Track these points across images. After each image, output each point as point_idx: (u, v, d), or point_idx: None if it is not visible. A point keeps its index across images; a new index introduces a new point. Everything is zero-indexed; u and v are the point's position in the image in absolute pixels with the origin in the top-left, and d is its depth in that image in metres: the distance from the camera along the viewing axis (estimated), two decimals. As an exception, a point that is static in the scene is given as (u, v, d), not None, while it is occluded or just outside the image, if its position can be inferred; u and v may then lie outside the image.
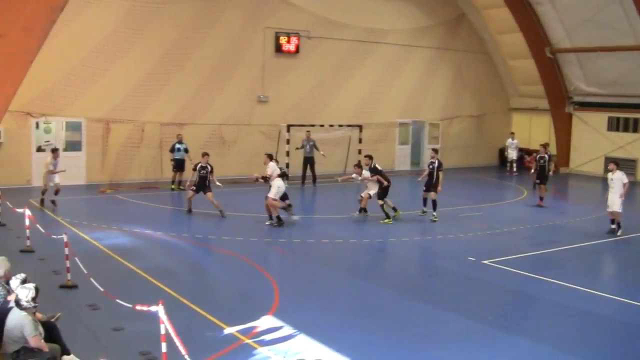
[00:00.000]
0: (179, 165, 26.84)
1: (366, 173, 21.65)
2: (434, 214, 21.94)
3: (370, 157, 22.14)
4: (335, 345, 10.61)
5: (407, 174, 35.38)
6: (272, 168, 20.77)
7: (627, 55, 33.07)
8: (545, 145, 26.46)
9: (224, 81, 30.13)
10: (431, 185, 22.23)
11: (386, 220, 21.39)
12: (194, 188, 21.70)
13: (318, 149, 29.15)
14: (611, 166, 21.01)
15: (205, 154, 22.05)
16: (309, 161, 29.14)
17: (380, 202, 21.58)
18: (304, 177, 29.13)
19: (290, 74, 32.17)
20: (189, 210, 21.71)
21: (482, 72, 40.00)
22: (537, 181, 25.55)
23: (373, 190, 21.57)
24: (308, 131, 29.49)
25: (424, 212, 22.76)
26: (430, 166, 22.40)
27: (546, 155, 25.58)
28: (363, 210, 21.98)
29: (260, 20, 30.91)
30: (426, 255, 18.03)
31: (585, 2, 32.26)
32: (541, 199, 25.37)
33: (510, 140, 36.67)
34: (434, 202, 22.02)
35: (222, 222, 20.79)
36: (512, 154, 36.48)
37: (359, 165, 22.31)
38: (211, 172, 21.64)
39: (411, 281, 15.26)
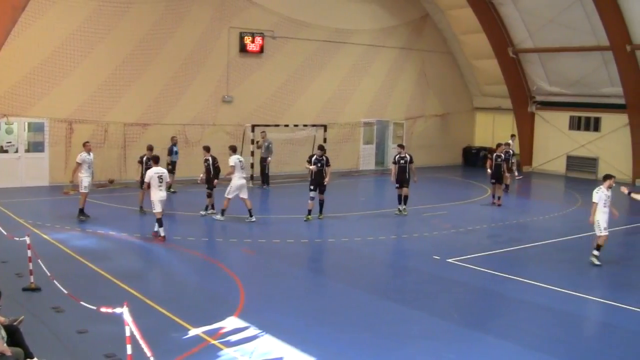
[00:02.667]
0: (174, 168, 26.80)
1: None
2: (404, 207, 22.88)
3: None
4: (301, 345, 10.62)
5: (372, 173, 35.53)
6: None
7: (588, 55, 33.58)
8: (500, 144, 26.61)
9: (189, 81, 29.98)
10: (404, 180, 22.69)
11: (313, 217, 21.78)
12: (209, 192, 21.65)
13: (272, 151, 29.01)
14: (612, 181, 16.92)
15: (206, 147, 22.20)
16: (263, 162, 28.99)
17: (322, 197, 21.73)
18: (262, 177, 29.04)
19: (255, 74, 32.09)
20: (211, 207, 21.89)
21: (446, 72, 40.33)
22: (493, 180, 25.56)
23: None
24: (263, 131, 29.34)
25: (400, 211, 22.94)
26: (402, 161, 22.70)
27: (502, 154, 25.69)
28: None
29: (225, 20, 30.81)
30: (392, 254, 18.11)
31: (547, 3, 32.69)
32: (498, 197, 25.50)
33: (510, 142, 35.46)
34: (407, 197, 22.86)
35: (187, 223, 20.70)
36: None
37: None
38: (213, 164, 21.65)
39: (377, 280, 15.33)
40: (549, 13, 32.96)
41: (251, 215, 20.89)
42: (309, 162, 21.66)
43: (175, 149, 27.08)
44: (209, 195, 21.73)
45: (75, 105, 27.04)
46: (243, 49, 31.46)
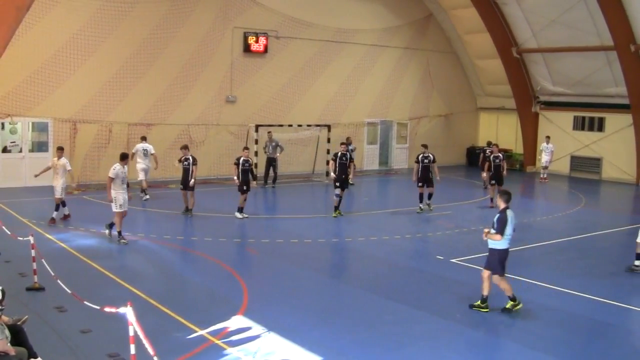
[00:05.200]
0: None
1: None
2: (429, 202, 23.76)
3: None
4: (305, 344, 10.63)
5: (375, 173, 35.50)
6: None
7: (592, 55, 33.57)
8: (491, 143, 26.47)
9: (193, 81, 30.01)
10: (427, 179, 23.39)
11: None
12: (245, 188, 21.45)
13: (283, 148, 29.24)
14: None
15: (246, 148, 22.24)
16: (271, 161, 29.18)
17: (342, 193, 22.09)
18: (266, 177, 29.10)
19: (259, 74, 32.12)
20: (240, 210, 21.62)
21: (450, 72, 40.32)
22: (492, 182, 25.38)
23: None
24: (270, 132, 29.43)
25: (422, 209, 23.48)
26: (425, 161, 23.39)
27: (500, 155, 25.52)
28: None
29: (229, 20, 30.83)
30: (395, 254, 18.05)
31: (551, 3, 32.67)
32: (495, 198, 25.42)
33: (545, 144, 34.61)
34: (431, 194, 23.70)
35: (190, 223, 20.72)
36: (545, 159, 34.35)
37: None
38: (251, 166, 21.80)
39: (380, 280, 15.30)
40: (553, 13, 32.94)
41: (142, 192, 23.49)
42: (334, 159, 22.33)
43: (350, 147, 28.98)
44: (245, 199, 21.66)
45: (79, 105, 27.08)
46: (247, 48, 31.48)
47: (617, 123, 34.36)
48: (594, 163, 35.73)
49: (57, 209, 19.81)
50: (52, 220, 19.63)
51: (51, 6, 25.83)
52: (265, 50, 32.00)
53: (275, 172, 29.28)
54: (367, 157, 36.88)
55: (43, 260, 12.86)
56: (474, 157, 40.40)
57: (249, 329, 11.29)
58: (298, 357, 10.22)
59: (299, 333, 11.18)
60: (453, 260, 16.66)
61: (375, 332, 11.45)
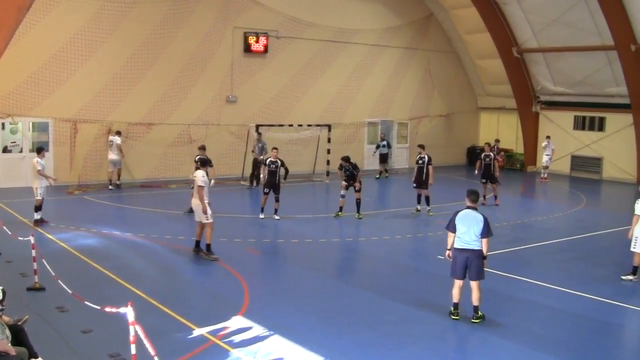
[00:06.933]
0: (385, 158, 33.82)
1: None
2: (429, 208, 23.06)
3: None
4: (306, 344, 10.64)
5: (376, 173, 35.47)
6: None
7: (592, 55, 33.55)
8: (489, 144, 26.49)
9: (193, 81, 29.99)
10: (422, 181, 22.94)
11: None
12: (267, 191, 21.22)
13: (266, 151, 28.75)
14: None
15: (274, 149, 21.80)
16: (257, 162, 28.76)
17: (359, 195, 22.08)
18: (252, 178, 28.76)
19: (259, 74, 32.11)
20: (262, 210, 21.54)
21: (450, 72, 40.31)
22: (483, 180, 25.48)
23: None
24: (259, 133, 29.07)
25: (418, 210, 23.28)
26: (420, 162, 23.01)
27: (491, 154, 25.55)
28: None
29: (229, 20, 30.82)
30: (396, 254, 18.04)
31: (551, 3, 32.67)
32: (495, 197, 25.44)
33: (545, 143, 34.35)
34: (428, 198, 23.13)
35: (191, 223, 20.69)
36: (545, 159, 34.19)
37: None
38: (282, 166, 21.18)
39: (381, 280, 15.29)
40: (554, 13, 32.94)
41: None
42: (340, 168, 22.22)
43: (382, 143, 33.17)
44: (277, 200, 21.36)
45: (80, 105, 27.07)
46: (247, 48, 31.47)
47: (618, 123, 34.33)
48: (595, 163, 35.72)
49: (39, 209, 19.63)
50: (42, 220, 19.56)
51: (52, 6, 25.82)
52: (266, 50, 31.99)
53: (257, 174, 28.87)
54: (367, 157, 36.83)
55: (44, 260, 12.86)
56: (475, 157, 40.42)
57: (249, 329, 11.29)
58: (299, 357, 10.23)
59: (300, 333, 11.18)
60: (454, 260, 16.62)
61: (376, 332, 11.45)
